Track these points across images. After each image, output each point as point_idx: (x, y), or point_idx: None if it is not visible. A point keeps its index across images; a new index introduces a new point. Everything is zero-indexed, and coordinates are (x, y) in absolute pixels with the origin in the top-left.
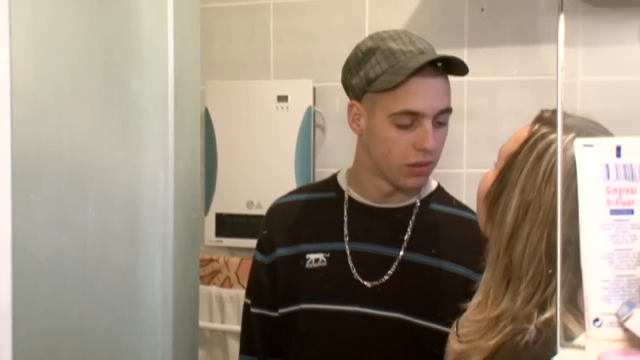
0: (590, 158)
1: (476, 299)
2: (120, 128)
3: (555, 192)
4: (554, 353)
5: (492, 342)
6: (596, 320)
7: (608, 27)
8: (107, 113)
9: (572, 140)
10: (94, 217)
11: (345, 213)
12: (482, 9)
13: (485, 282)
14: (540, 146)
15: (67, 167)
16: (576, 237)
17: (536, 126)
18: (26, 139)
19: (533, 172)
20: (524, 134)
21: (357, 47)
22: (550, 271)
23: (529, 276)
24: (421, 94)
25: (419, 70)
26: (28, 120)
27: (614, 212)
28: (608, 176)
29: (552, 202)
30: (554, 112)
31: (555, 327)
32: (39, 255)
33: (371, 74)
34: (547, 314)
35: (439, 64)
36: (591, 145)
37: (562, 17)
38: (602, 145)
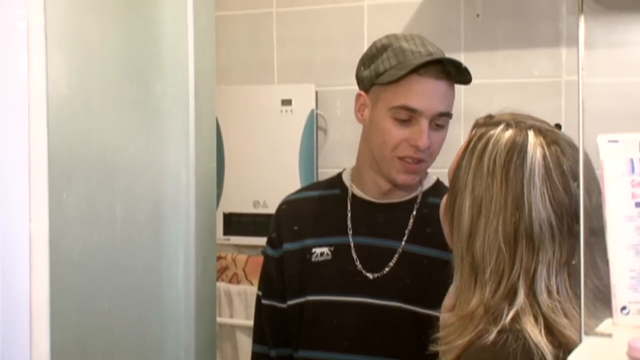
0: (615, 153)
1: (449, 302)
2: (145, 130)
3: (501, 181)
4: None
5: (464, 341)
6: (623, 308)
7: (606, 29)
8: (133, 116)
9: (503, 130)
10: (122, 216)
11: (349, 208)
12: (477, 15)
13: (456, 285)
14: (479, 145)
15: (96, 167)
16: (527, 222)
17: (473, 131)
18: (59, 140)
19: (478, 170)
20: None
21: (374, 43)
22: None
23: (492, 265)
24: (421, 93)
25: (424, 70)
26: (60, 123)
27: (638, 204)
28: (633, 170)
29: (502, 192)
30: (487, 116)
31: (521, 326)
32: (71, 253)
33: (380, 68)
34: (515, 307)
35: (446, 70)
36: (616, 141)
37: (582, 18)
38: (627, 141)
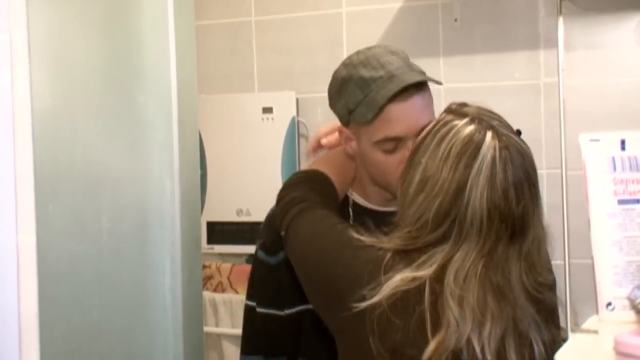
0: (596, 152)
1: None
2: (129, 140)
3: (450, 169)
4: None
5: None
6: (609, 304)
7: (584, 31)
8: (117, 127)
9: (467, 124)
10: (108, 227)
11: (351, 216)
12: (455, 20)
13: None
14: (442, 130)
15: (81, 179)
16: (460, 208)
17: (442, 115)
18: (44, 153)
19: (434, 153)
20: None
21: (334, 76)
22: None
23: (410, 227)
24: (398, 120)
25: (393, 96)
26: (45, 135)
27: (621, 202)
28: (614, 168)
29: (448, 178)
30: (460, 104)
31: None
32: (59, 264)
33: (350, 104)
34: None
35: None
36: (597, 140)
37: (560, 20)
38: (608, 140)
